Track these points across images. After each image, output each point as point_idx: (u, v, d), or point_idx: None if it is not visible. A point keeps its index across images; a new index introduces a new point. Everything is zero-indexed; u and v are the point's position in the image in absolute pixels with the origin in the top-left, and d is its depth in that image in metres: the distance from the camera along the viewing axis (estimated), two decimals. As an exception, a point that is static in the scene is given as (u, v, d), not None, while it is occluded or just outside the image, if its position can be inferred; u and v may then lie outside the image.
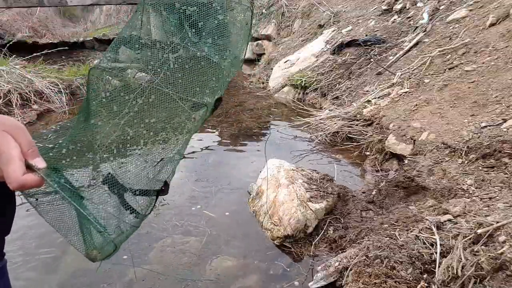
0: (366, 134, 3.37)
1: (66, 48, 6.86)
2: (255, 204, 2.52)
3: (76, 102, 4.94)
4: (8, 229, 0.83)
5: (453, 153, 2.47)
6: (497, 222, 1.65)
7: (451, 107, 2.91)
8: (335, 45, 4.98)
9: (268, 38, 7.20)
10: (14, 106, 4.30)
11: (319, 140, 3.62)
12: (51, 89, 4.75)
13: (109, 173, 0.69)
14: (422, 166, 2.52)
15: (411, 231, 1.87)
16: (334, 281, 1.80)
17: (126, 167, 0.70)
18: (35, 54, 5.52)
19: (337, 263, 1.83)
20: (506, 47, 3.06)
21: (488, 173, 2.17)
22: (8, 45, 5.84)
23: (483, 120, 2.56)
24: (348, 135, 3.57)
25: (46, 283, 1.96)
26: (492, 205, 1.87)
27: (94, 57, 8.16)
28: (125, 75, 0.71)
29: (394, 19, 4.84)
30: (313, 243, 2.16)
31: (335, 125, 3.69)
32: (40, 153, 0.60)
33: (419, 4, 4.68)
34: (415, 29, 4.35)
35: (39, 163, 0.59)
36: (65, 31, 13.01)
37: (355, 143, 3.44)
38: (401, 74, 3.81)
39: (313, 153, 3.45)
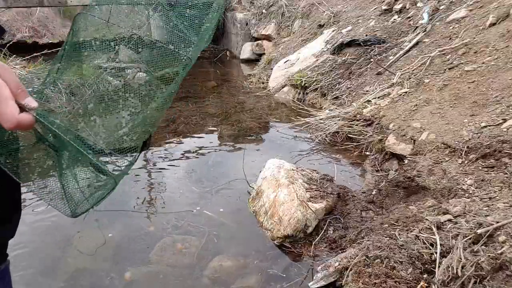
0: (366, 134, 3.37)
1: None
2: (255, 204, 2.52)
3: (76, 102, 4.93)
4: (13, 234, 0.84)
5: (453, 153, 2.47)
6: (497, 222, 1.66)
7: (451, 107, 2.91)
8: (335, 45, 4.97)
9: (268, 38, 7.19)
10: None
11: (319, 140, 3.62)
12: (51, 89, 4.73)
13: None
14: (422, 166, 2.52)
15: (411, 231, 1.87)
16: (334, 281, 1.80)
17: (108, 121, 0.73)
18: (35, 54, 5.51)
19: (337, 263, 1.83)
20: (506, 47, 3.06)
21: (488, 173, 2.17)
22: (8, 45, 5.84)
23: (483, 120, 2.56)
24: (348, 135, 3.57)
25: (46, 283, 1.96)
26: (492, 205, 1.87)
27: (94, 57, 8.14)
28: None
29: (394, 19, 4.83)
30: (313, 243, 2.16)
31: (335, 125, 3.69)
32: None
33: (419, 4, 4.67)
34: (415, 29, 4.35)
35: (31, 102, 0.57)
36: (65, 31, 13.00)
37: (355, 143, 3.44)
38: (401, 74, 3.81)
39: (313, 153, 3.45)
